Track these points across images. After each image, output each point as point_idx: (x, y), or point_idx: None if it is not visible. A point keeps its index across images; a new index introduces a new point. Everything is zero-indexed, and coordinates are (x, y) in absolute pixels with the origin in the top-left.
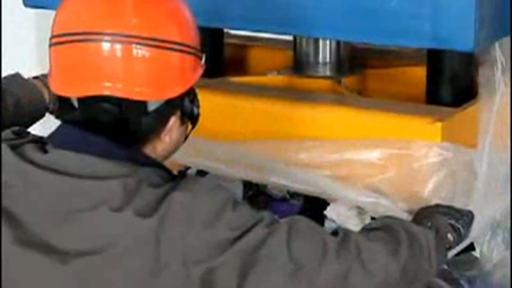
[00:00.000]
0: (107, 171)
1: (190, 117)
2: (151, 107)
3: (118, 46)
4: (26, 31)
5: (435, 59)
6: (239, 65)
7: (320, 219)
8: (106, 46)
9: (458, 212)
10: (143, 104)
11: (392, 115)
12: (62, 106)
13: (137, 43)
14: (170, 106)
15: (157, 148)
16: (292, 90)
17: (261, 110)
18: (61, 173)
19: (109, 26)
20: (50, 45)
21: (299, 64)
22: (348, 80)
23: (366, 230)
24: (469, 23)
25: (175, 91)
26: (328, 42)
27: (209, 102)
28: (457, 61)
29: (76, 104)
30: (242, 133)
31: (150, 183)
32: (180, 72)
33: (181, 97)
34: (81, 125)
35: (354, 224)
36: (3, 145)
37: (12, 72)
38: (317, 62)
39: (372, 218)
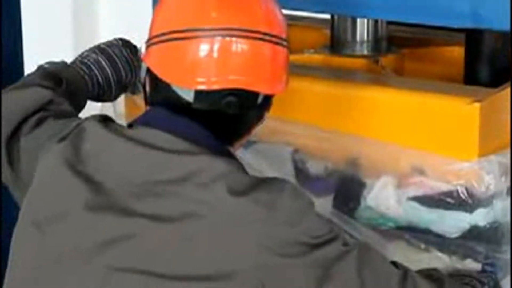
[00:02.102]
0: (193, 149)
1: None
2: (259, 101)
3: (238, 40)
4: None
5: (473, 39)
6: None
7: (356, 200)
8: (235, 41)
9: (481, 283)
10: (256, 98)
11: (430, 95)
12: (161, 93)
13: (260, 39)
14: (269, 102)
15: (240, 144)
16: (329, 69)
17: (297, 88)
18: (148, 146)
19: (238, 22)
20: (164, 41)
21: (337, 43)
22: (385, 60)
23: (421, 274)
24: (508, 3)
25: (283, 85)
26: (365, 21)
27: None
28: (495, 41)
29: (180, 93)
30: (278, 110)
31: (240, 170)
32: (286, 66)
33: (270, 105)
34: (186, 114)
35: (393, 211)
36: (91, 118)
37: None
38: (355, 41)
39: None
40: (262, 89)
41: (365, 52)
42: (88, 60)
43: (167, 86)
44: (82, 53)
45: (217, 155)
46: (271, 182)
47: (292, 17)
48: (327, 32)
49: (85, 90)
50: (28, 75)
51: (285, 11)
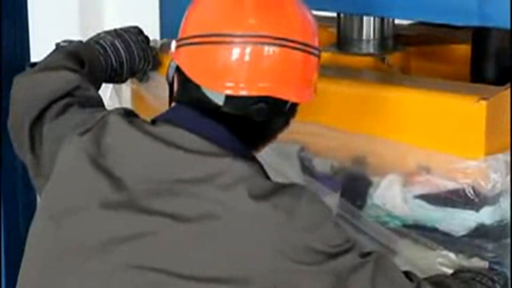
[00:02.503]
0: (216, 151)
1: None
2: (286, 108)
3: (270, 48)
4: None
5: (480, 37)
6: None
7: (362, 198)
8: (267, 49)
9: (491, 281)
10: (284, 106)
11: (436, 94)
12: (189, 93)
13: (293, 48)
14: (295, 108)
15: (263, 148)
16: (335, 68)
17: None
18: (171, 144)
19: (262, 28)
20: (197, 43)
21: (343, 41)
22: (392, 58)
23: (431, 282)
24: None
25: (312, 93)
26: (372, 19)
27: None
28: (502, 39)
29: (210, 96)
30: None
31: (262, 174)
32: (316, 74)
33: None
34: (213, 117)
35: (399, 210)
36: (115, 111)
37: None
38: (361, 40)
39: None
40: (291, 97)
41: (372, 51)
42: (104, 42)
43: (197, 87)
44: (99, 34)
45: (240, 158)
46: (291, 188)
47: None
48: (334, 30)
49: (102, 71)
50: (49, 55)
51: None
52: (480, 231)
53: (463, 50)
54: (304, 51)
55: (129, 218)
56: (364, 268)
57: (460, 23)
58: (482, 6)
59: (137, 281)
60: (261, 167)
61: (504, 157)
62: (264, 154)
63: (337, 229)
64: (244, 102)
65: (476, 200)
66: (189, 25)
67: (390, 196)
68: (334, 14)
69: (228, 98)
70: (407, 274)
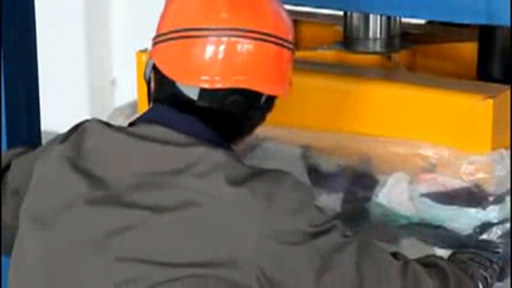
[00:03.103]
0: (193, 142)
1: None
2: (262, 102)
3: (244, 41)
4: None
5: (486, 36)
6: None
7: (368, 196)
8: (241, 42)
9: (489, 262)
10: (259, 99)
11: (443, 92)
12: (165, 90)
13: (266, 40)
14: (271, 103)
15: (240, 141)
16: (342, 66)
17: (310, 85)
18: (148, 139)
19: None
20: (172, 39)
21: (349, 40)
22: (398, 56)
23: (421, 263)
24: None
25: (287, 87)
26: (378, 17)
27: None
28: (509, 38)
29: (185, 91)
30: (291, 107)
31: (238, 160)
32: (290, 68)
33: (272, 106)
34: (184, 109)
35: (405, 208)
36: (91, 120)
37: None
38: (367, 38)
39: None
40: (265, 90)
41: (378, 49)
42: None
43: (172, 83)
44: None
45: (216, 147)
46: (268, 173)
47: (306, 14)
48: (340, 28)
49: None
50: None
51: (299, 8)
52: (486, 229)
53: (470, 48)
54: (277, 44)
55: (112, 213)
56: (348, 247)
57: (466, 21)
58: (488, 4)
59: (125, 273)
60: (236, 154)
61: (510, 155)
62: (267, 160)
63: (319, 211)
64: (218, 95)
65: (482, 198)
66: (165, 21)
67: (397, 194)
68: (341, 13)
69: (202, 92)
70: (395, 255)
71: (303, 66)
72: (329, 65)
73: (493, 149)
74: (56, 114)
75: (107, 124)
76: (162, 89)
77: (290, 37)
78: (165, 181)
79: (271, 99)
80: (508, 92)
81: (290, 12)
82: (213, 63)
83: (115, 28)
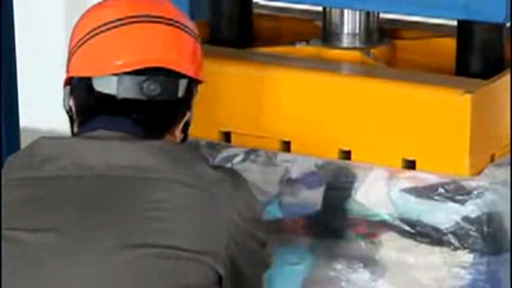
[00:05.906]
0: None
1: (187, 126)
2: (181, 92)
3: (147, 26)
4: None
5: (465, 31)
6: (268, 36)
7: (347, 192)
8: (140, 26)
9: None
10: (175, 83)
11: (421, 87)
12: (87, 102)
13: (163, 23)
14: (189, 98)
15: (170, 137)
16: (320, 61)
17: (289, 80)
18: (101, 138)
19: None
20: (80, 45)
21: (328, 35)
22: (376, 51)
23: None
24: None
25: (196, 71)
26: (357, 13)
27: (236, 72)
28: (488, 33)
29: (103, 90)
30: (270, 103)
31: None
32: (197, 54)
33: (193, 95)
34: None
35: (385, 203)
36: (40, 137)
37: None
38: (346, 33)
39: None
40: (178, 67)
41: (357, 44)
42: None
43: (90, 89)
44: None
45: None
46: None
47: (284, 9)
48: (319, 24)
49: None
50: None
51: (278, 3)
52: (465, 224)
53: (449, 43)
54: (174, 26)
55: (80, 209)
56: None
57: (445, 17)
58: (467, 0)
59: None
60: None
61: (489, 150)
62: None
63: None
64: (134, 82)
65: (461, 193)
66: (73, 37)
67: (376, 189)
68: (320, 8)
69: (119, 83)
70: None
71: (281, 62)
72: (308, 61)
73: (472, 144)
74: (37, 110)
75: (56, 136)
76: (83, 104)
77: (188, 25)
78: (130, 173)
79: (190, 91)
80: (487, 87)
81: (268, 8)
82: (123, 49)
83: None
